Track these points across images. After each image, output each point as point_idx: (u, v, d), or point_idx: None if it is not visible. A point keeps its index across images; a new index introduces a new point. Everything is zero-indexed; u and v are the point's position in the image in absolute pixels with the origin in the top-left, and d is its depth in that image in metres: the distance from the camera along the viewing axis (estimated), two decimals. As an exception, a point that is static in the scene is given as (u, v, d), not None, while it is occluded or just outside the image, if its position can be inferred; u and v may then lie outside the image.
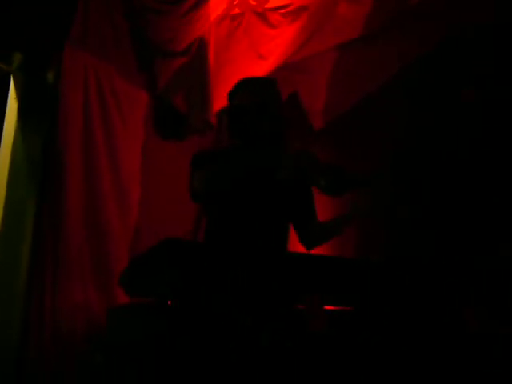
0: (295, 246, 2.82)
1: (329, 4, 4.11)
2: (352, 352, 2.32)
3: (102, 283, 3.44)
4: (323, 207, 2.94)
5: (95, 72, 3.55)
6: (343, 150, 4.23)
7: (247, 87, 2.77)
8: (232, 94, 2.82)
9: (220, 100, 4.03)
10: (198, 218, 4.00)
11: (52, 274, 3.26)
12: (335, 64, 4.30)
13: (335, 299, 2.47)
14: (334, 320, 2.43)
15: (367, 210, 2.72)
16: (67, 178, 3.33)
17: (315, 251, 2.84)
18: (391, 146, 4.20)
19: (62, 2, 3.43)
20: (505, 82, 4.17)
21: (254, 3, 4.18)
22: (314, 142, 4.24)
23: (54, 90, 3.39)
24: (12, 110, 3.45)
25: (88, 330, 3.32)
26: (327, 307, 2.49)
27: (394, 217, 4.02)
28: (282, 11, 4.16)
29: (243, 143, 2.72)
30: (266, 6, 4.17)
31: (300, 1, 4.14)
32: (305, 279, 2.35)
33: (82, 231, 3.43)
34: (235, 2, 4.14)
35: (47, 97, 3.41)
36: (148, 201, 3.82)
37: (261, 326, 2.26)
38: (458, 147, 4.04)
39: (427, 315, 2.42)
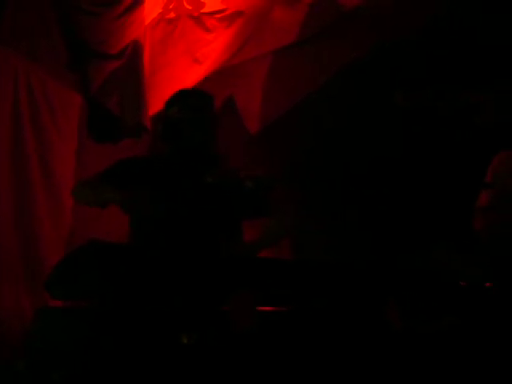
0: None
1: (264, 10, 4.17)
2: (276, 352, 2.35)
3: (35, 288, 3.37)
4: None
5: (26, 74, 3.47)
6: (277, 152, 4.28)
7: (184, 100, 2.85)
8: (169, 105, 2.88)
9: (155, 103, 4.01)
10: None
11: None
12: (271, 68, 4.35)
13: (268, 300, 2.49)
14: (268, 321, 2.45)
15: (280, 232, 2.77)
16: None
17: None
18: (322, 150, 4.28)
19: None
20: (434, 85, 4.32)
21: (189, 7, 4.18)
22: (248, 145, 4.27)
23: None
24: None
25: (21, 337, 3.24)
26: (264, 308, 2.52)
27: (330, 219, 4.10)
28: (218, 16, 4.19)
29: (175, 153, 2.82)
30: (202, 11, 4.18)
31: (236, 6, 4.17)
32: (232, 279, 2.37)
33: (14, 237, 3.36)
34: (171, 6, 4.13)
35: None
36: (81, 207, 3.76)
37: (184, 325, 2.27)
38: (389, 150, 4.14)
39: (355, 315, 2.47)
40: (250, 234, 2.79)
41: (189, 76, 4.15)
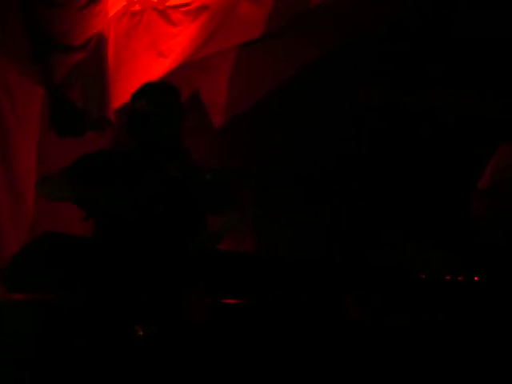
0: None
1: (230, 4, 4.15)
2: (228, 344, 2.36)
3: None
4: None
5: (-14, 64, 3.42)
6: (242, 146, 4.28)
7: (151, 93, 2.85)
8: (136, 98, 2.86)
9: (120, 97, 3.98)
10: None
11: None
12: (237, 63, 4.35)
13: (229, 293, 2.50)
14: (227, 313, 2.46)
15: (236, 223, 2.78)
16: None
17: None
18: (287, 145, 4.30)
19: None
20: (402, 82, 4.37)
21: (154, 0, 4.16)
22: (213, 139, 4.27)
23: None
24: None
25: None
26: (227, 300, 2.53)
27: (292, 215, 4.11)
28: (183, 9, 4.16)
29: (141, 146, 2.82)
30: (167, 4, 4.16)
31: (201, 0, 4.16)
32: (188, 272, 2.37)
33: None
34: (135, -1, 4.11)
35: None
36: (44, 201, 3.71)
37: (140, 318, 2.27)
38: (354, 146, 4.18)
39: (311, 305, 2.49)
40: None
41: (154, 69, 4.12)
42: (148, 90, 2.86)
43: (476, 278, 3.08)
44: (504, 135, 3.18)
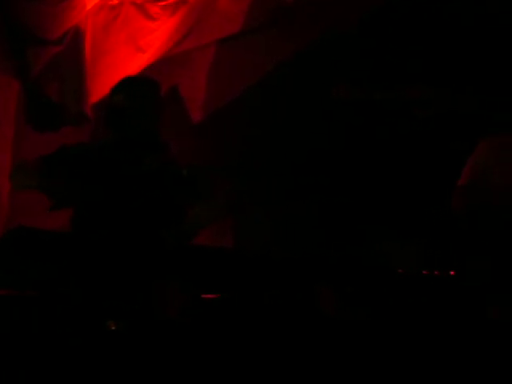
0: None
1: (208, -1, 4.15)
2: (203, 338, 2.36)
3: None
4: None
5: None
6: (220, 142, 4.28)
7: (130, 87, 2.83)
8: (114, 92, 2.85)
9: (97, 91, 3.96)
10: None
11: None
12: (215, 58, 4.32)
13: (204, 287, 2.50)
14: (202, 308, 2.46)
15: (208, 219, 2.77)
16: None
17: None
18: (265, 140, 4.30)
19: None
20: (381, 78, 4.39)
21: (133, -6, 4.14)
22: (192, 135, 4.25)
23: None
24: None
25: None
26: (206, 295, 2.53)
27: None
28: (162, 4, 4.15)
29: (119, 141, 2.81)
30: (146, -2, 4.14)
31: (180, -6, 4.15)
32: (162, 266, 2.37)
33: None
34: (113, -8, 4.08)
35: None
36: (20, 194, 3.68)
37: (112, 312, 2.26)
38: (331, 142, 4.19)
39: (286, 300, 2.50)
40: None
41: (132, 64, 4.10)
42: (127, 84, 2.84)
43: (452, 273, 3.12)
44: (482, 131, 3.21)
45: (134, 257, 2.36)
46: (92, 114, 3.94)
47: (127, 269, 2.31)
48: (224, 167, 3.36)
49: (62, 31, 3.76)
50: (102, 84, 3.91)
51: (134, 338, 2.23)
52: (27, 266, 2.24)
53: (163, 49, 4.14)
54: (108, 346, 2.18)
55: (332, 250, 3.20)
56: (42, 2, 3.65)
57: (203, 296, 2.59)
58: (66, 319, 2.20)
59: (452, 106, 4.23)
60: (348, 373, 2.52)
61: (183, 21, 4.12)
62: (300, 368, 2.42)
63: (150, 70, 4.08)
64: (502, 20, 4.09)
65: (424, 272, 3.43)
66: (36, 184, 2.67)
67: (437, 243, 3.56)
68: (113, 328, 2.20)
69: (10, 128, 3.65)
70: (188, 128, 4.30)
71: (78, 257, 2.28)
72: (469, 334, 2.74)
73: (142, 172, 2.69)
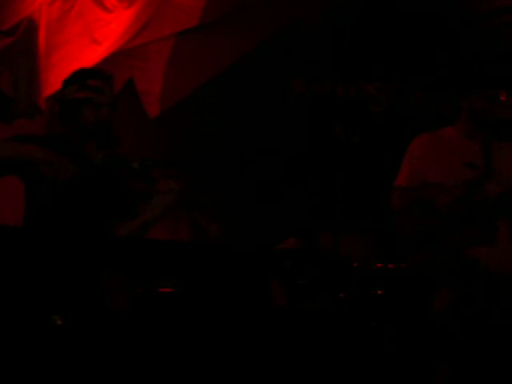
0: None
1: (166, -9, 4.12)
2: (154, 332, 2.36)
3: None
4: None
5: None
6: (175, 136, 4.27)
7: (83, 80, 2.77)
8: (67, 84, 2.81)
9: (51, 84, 3.89)
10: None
11: None
12: (172, 52, 4.30)
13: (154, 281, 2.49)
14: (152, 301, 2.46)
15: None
16: None
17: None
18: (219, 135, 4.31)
19: None
20: (333, 74, 4.44)
21: (88, -15, 4.07)
22: (147, 128, 4.23)
23: None
24: None
25: None
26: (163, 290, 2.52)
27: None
28: (118, -5, 4.10)
29: (71, 134, 2.77)
30: (101, -11, 4.08)
31: (136, -14, 4.10)
32: (112, 259, 2.35)
33: None
34: (68, -17, 4.01)
35: None
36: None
37: (58, 306, 2.24)
38: (285, 137, 4.23)
39: (241, 294, 2.51)
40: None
41: (87, 56, 4.04)
42: (79, 76, 2.80)
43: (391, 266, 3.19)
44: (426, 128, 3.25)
45: (84, 250, 2.33)
46: (45, 106, 3.87)
47: (76, 261, 2.29)
48: (178, 160, 3.34)
49: (13, 22, 3.67)
50: (56, 76, 3.84)
51: (80, 332, 2.21)
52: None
53: (119, 41, 4.09)
54: (53, 341, 2.16)
55: (283, 241, 3.22)
56: (-8, -8, 3.57)
57: (159, 290, 2.59)
58: (13, 314, 2.16)
59: (403, 103, 4.32)
60: (300, 362, 2.55)
61: (140, 13, 4.08)
62: (252, 359, 2.43)
63: (105, 62, 4.03)
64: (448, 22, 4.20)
65: (378, 265, 3.49)
66: None
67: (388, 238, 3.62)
68: (59, 322, 2.18)
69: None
70: (144, 121, 4.28)
71: (31, 249, 2.25)
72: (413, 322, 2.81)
73: (94, 165, 2.66)
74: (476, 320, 2.67)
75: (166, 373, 2.33)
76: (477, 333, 2.64)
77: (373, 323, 3.21)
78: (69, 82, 2.81)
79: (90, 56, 4.01)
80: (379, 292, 3.39)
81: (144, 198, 2.63)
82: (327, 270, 2.90)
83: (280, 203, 4.11)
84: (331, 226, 2.95)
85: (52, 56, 3.96)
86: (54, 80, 3.85)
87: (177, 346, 2.40)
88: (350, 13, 4.39)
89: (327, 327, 2.74)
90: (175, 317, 2.40)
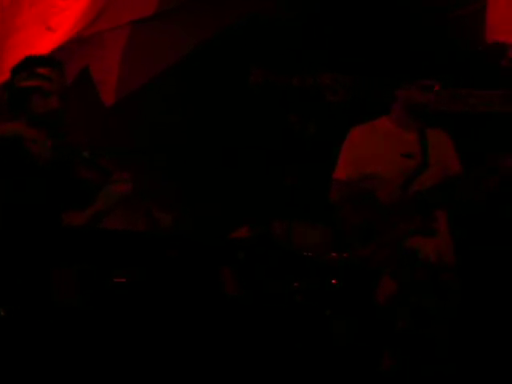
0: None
1: (122, -21, 4.07)
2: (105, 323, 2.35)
3: None
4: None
5: None
6: (131, 124, 4.24)
7: (32, 67, 2.73)
8: (15, 72, 2.76)
9: (4, 72, 3.81)
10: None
11: None
12: (129, 40, 4.26)
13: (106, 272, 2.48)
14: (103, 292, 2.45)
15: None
16: None
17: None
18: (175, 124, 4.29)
19: None
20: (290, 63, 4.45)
21: (42, -29, 4.00)
22: (103, 116, 4.19)
23: None
24: None
25: None
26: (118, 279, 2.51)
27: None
28: (73, -18, 4.03)
29: (22, 122, 2.72)
30: (56, -25, 4.01)
31: (92, -28, 4.04)
32: (58, 251, 2.33)
33: None
34: (21, -32, 3.93)
35: None
36: None
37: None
38: (245, 126, 4.24)
39: (189, 278, 2.52)
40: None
41: (41, 44, 3.97)
42: (27, 64, 2.75)
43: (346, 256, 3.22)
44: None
45: (35, 241, 2.31)
46: (-2, 94, 3.80)
47: (21, 253, 2.26)
48: (132, 150, 3.32)
49: (-36, 8, 3.60)
50: (8, 64, 3.77)
51: (26, 324, 2.19)
52: None
53: (74, 29, 4.03)
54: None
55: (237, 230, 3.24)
56: None
57: (114, 280, 2.58)
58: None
59: (359, 93, 4.35)
60: (251, 350, 2.57)
61: (95, 1, 4.03)
62: (204, 345, 2.45)
63: (60, 50, 3.97)
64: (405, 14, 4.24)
65: (333, 254, 3.53)
66: None
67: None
68: (2, 314, 2.15)
69: None
70: (99, 110, 4.23)
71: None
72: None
73: (45, 154, 2.62)
74: (418, 309, 2.72)
75: (117, 363, 2.32)
76: (419, 322, 2.69)
77: (327, 312, 3.25)
78: (17, 69, 2.76)
79: (44, 43, 3.95)
80: (333, 281, 3.44)
81: (96, 188, 2.61)
82: (281, 259, 2.92)
83: (236, 192, 4.12)
84: (285, 216, 2.97)
85: (5, 43, 3.89)
86: (6, 68, 3.78)
87: (129, 335, 2.39)
88: (307, 2, 4.41)
89: (280, 316, 2.76)
90: (128, 306, 2.39)
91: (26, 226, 2.41)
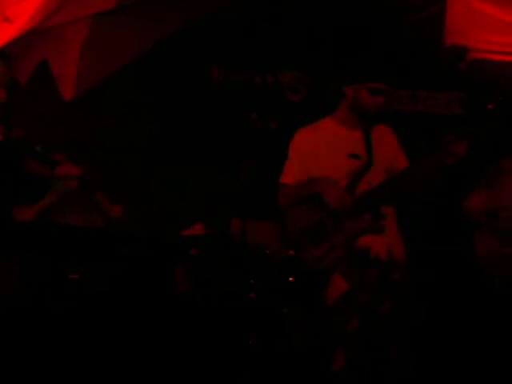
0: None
1: (82, -29, 4.01)
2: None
3: None
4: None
5: None
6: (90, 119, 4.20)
7: None
8: None
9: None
10: None
11: None
12: (90, 33, 4.20)
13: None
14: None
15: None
16: None
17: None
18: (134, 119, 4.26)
19: None
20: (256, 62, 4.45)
21: (-1, -41, 3.91)
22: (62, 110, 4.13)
23: None
24: None
25: None
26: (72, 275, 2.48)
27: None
28: (32, -28, 3.96)
29: None
30: (14, -36, 3.93)
31: (51, -36, 3.97)
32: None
33: None
34: (-26, -44, 3.84)
35: None
36: None
37: None
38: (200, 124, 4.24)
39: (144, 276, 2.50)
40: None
41: (-2, 36, 3.90)
42: None
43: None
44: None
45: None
46: None
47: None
48: (88, 143, 3.27)
49: None
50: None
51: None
52: None
53: (33, 21, 3.95)
54: None
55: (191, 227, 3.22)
56: None
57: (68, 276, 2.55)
58: None
59: (320, 92, 4.37)
60: (204, 347, 2.57)
61: (55, -9, 3.96)
62: (156, 343, 2.43)
63: (18, 42, 3.90)
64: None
65: (291, 252, 3.54)
66: None
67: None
68: None
69: None
70: (58, 104, 4.17)
71: None
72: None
73: None
74: (369, 309, 2.74)
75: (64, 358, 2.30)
76: (370, 322, 2.71)
77: (284, 310, 3.26)
78: None
79: (0, 35, 3.87)
80: (290, 279, 3.45)
81: (45, 182, 2.57)
82: (236, 256, 2.91)
83: (192, 188, 4.10)
84: (241, 213, 2.97)
85: (-42, 34, 3.80)
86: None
87: (79, 331, 2.37)
88: (270, 1, 4.41)
89: (233, 313, 2.76)
90: (80, 302, 2.37)
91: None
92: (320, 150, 2.90)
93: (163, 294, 2.53)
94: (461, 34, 4.41)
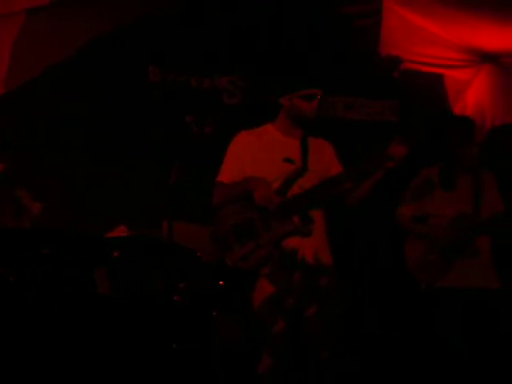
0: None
1: (16, -35, 3.91)
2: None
3: None
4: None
5: None
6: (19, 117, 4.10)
7: None
8: None
9: None
10: None
11: None
12: (22, 29, 4.08)
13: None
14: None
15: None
16: None
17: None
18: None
19: None
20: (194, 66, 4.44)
21: None
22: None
23: None
24: None
25: None
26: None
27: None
28: (-40, -38, 3.84)
29: None
30: None
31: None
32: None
33: None
34: None
35: None
36: None
37: None
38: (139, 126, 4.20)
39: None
40: None
41: None
42: None
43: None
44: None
45: None
46: None
47: None
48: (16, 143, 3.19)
49: None
50: None
51: None
52: None
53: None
54: None
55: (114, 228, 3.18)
56: None
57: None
58: None
59: (258, 96, 4.39)
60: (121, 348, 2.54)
61: (-13, -15, 3.85)
62: (75, 345, 2.39)
63: None
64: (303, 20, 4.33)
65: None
66: None
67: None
68: None
69: None
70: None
71: None
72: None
73: None
74: (295, 313, 2.76)
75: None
76: (296, 325, 2.73)
77: (214, 313, 3.24)
78: None
79: None
80: (221, 282, 3.44)
81: None
82: (162, 258, 2.89)
83: (119, 191, 4.06)
84: (169, 215, 2.94)
85: None
86: None
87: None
88: (211, 3, 4.40)
89: (155, 316, 2.73)
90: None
91: None
92: (258, 153, 2.93)
93: (83, 296, 2.48)
94: (395, 45, 4.51)
